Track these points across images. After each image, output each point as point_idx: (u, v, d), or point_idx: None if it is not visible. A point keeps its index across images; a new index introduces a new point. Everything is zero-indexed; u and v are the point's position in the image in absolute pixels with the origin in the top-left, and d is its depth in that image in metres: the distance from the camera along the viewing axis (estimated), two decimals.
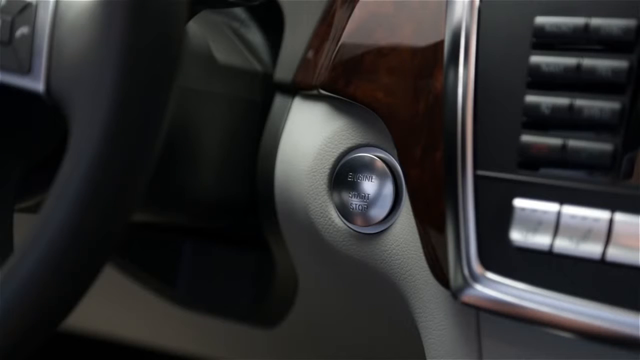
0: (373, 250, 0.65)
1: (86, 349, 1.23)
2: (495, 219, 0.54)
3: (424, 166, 0.59)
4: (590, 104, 0.52)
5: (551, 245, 0.52)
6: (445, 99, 0.57)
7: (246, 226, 0.77)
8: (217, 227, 0.83)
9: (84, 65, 0.50)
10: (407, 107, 0.60)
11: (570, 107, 0.53)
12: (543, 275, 0.53)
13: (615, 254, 0.50)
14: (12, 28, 0.53)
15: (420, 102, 0.59)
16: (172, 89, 0.49)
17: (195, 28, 0.73)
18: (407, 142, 0.60)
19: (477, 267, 0.55)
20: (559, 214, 0.52)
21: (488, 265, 0.55)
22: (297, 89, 0.72)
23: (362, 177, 0.65)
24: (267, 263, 0.78)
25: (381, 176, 0.64)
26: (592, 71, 0.52)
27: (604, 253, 0.51)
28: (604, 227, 0.51)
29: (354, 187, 0.65)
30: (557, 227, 0.52)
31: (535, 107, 0.54)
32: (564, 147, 0.53)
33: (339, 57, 0.65)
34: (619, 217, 0.51)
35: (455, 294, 0.56)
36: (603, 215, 0.51)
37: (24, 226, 0.53)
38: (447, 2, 0.58)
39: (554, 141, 0.53)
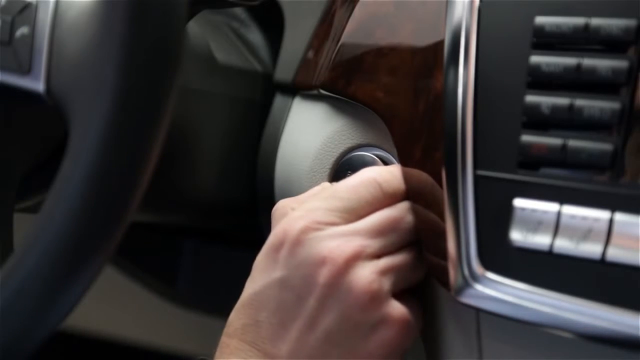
0: None
1: (86, 349, 1.22)
2: (495, 219, 0.54)
3: (424, 166, 0.59)
4: (590, 104, 0.52)
5: (551, 245, 0.52)
6: (445, 99, 0.57)
7: (246, 226, 0.77)
8: (218, 228, 0.83)
9: (84, 65, 0.50)
10: (407, 107, 0.60)
11: (570, 107, 0.53)
12: (543, 275, 0.53)
13: (615, 254, 0.50)
14: (12, 28, 0.53)
15: (420, 102, 0.59)
16: (172, 88, 0.49)
17: (195, 28, 0.73)
18: (407, 142, 0.60)
19: (477, 267, 0.55)
20: (559, 214, 0.52)
21: (488, 265, 0.55)
22: (297, 89, 0.72)
23: None
24: None
25: None
26: (592, 71, 0.52)
27: (604, 253, 0.51)
28: (604, 227, 0.51)
29: None
30: (557, 227, 0.52)
31: (535, 107, 0.54)
32: (564, 147, 0.53)
33: (339, 57, 0.65)
34: (619, 217, 0.51)
35: (455, 294, 0.56)
36: (603, 215, 0.51)
37: (24, 226, 0.53)
38: (447, 2, 0.58)
39: (554, 141, 0.53)
